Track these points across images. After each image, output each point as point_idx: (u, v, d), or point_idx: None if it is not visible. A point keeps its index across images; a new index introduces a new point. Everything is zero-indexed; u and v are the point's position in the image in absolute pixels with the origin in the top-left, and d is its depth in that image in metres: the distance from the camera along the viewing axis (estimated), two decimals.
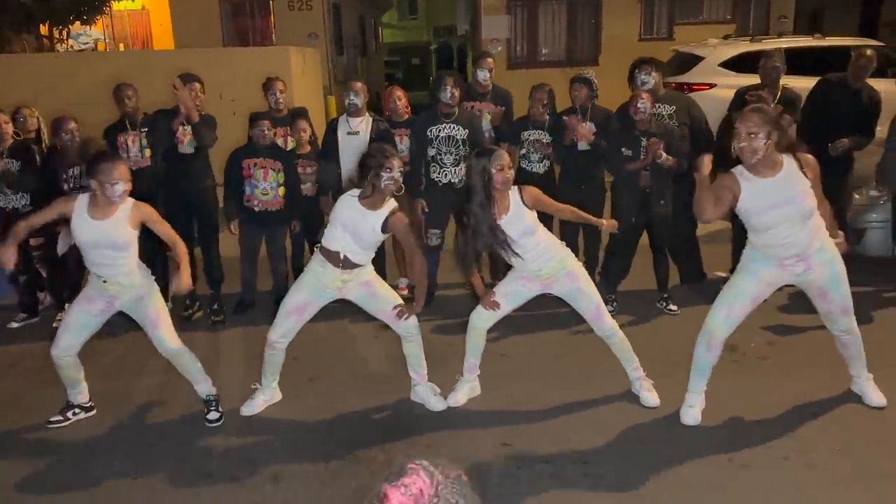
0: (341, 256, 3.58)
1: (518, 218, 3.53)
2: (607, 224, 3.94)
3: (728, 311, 3.46)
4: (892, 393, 3.72)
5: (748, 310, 3.47)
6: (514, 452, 3.43)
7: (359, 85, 5.19)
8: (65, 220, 3.65)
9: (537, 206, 3.59)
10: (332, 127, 5.30)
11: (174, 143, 5.05)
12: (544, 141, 5.19)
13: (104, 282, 3.56)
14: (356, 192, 3.56)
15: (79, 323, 3.62)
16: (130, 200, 3.52)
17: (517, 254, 3.56)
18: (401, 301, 3.80)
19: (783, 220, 3.24)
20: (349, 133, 5.15)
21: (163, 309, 3.67)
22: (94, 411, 3.88)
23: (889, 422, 3.58)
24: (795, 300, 3.66)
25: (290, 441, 3.62)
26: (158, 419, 3.86)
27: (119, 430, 3.76)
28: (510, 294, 3.78)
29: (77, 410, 3.83)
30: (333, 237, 3.59)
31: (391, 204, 3.56)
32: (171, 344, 3.66)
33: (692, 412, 3.63)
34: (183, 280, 3.57)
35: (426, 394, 3.92)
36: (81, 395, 3.83)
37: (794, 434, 3.51)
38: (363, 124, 5.16)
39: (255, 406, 3.89)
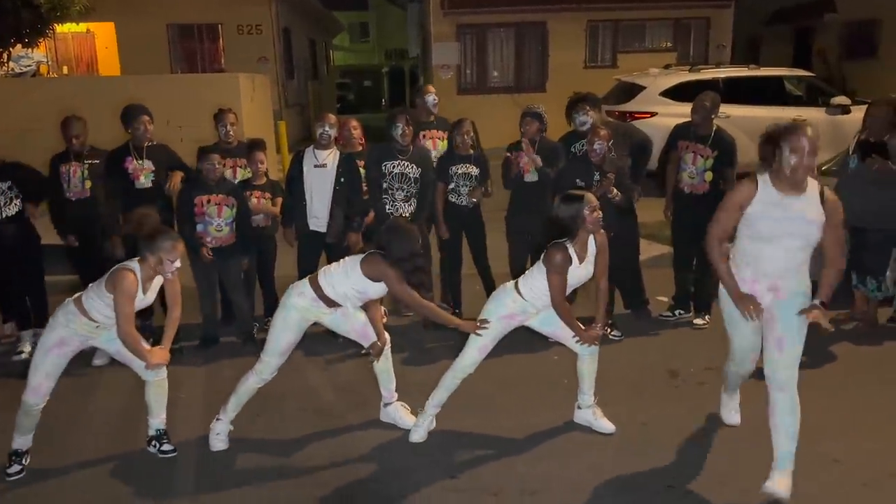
0: (342, 305, 3.70)
1: (589, 264, 3.70)
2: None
3: (753, 357, 3.63)
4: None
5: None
6: (461, 486, 3.47)
7: (333, 118, 5.21)
8: None
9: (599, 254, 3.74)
10: (297, 159, 5.24)
11: (130, 181, 4.95)
12: (473, 174, 5.25)
13: (97, 326, 3.56)
14: (358, 258, 3.65)
15: (57, 367, 3.57)
16: None
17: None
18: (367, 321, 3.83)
19: (787, 234, 3.22)
20: (316, 166, 5.10)
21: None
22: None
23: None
24: None
25: (236, 477, 3.58)
26: (106, 460, 3.78)
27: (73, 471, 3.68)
28: (496, 339, 3.80)
29: (27, 456, 3.68)
30: (341, 294, 3.65)
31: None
32: (156, 369, 3.64)
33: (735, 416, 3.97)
34: (162, 350, 3.60)
35: (396, 413, 3.97)
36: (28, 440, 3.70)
37: (733, 459, 3.63)
38: (331, 157, 5.13)
39: (227, 439, 3.83)
